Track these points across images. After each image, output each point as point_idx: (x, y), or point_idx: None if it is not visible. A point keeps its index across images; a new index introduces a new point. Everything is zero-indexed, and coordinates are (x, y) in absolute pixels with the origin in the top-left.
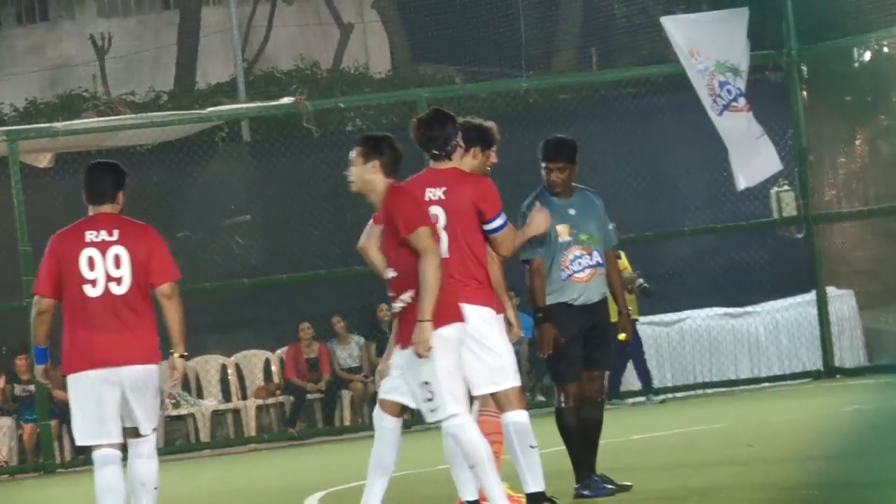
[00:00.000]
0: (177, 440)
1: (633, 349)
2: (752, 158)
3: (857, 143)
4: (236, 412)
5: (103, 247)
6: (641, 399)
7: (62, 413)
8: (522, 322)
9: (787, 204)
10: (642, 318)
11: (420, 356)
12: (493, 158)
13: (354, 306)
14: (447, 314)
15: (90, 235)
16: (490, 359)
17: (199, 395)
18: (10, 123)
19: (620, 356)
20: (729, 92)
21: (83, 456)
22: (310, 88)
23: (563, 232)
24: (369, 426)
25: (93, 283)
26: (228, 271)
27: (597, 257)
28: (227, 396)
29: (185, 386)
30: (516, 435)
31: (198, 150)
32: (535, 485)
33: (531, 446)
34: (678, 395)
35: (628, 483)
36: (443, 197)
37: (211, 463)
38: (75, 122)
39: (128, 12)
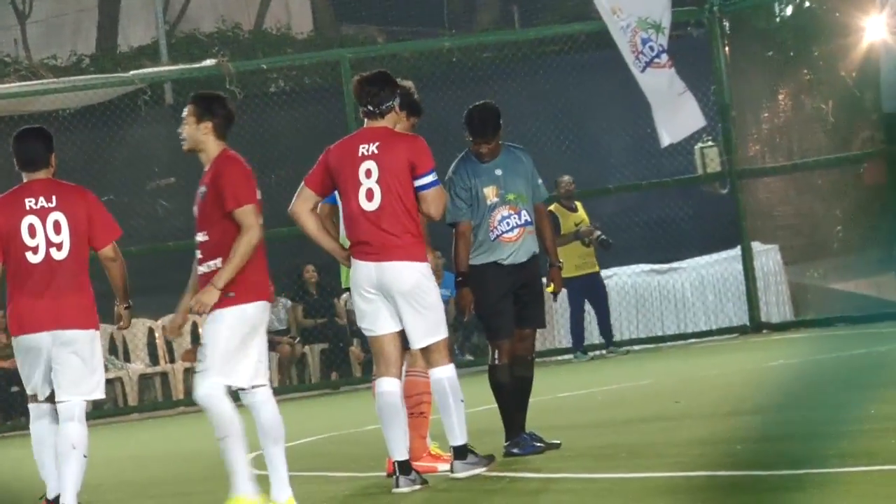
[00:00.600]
0: (104, 404)
1: (601, 301)
2: (676, 115)
3: (780, 98)
4: (164, 375)
5: (43, 213)
6: (570, 357)
7: None
8: (448, 280)
9: (711, 160)
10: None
11: (195, 312)
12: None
13: (280, 268)
14: (256, 291)
15: (29, 203)
16: (428, 313)
17: (127, 359)
18: None
19: (601, 304)
20: (651, 48)
21: (11, 422)
22: (232, 50)
23: (490, 194)
24: (297, 387)
25: (34, 249)
26: (153, 234)
27: (525, 216)
28: (154, 360)
29: (113, 350)
30: (450, 388)
31: (121, 114)
32: (463, 437)
33: (461, 400)
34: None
35: (557, 441)
36: (376, 151)
37: (139, 426)
38: None
39: None
